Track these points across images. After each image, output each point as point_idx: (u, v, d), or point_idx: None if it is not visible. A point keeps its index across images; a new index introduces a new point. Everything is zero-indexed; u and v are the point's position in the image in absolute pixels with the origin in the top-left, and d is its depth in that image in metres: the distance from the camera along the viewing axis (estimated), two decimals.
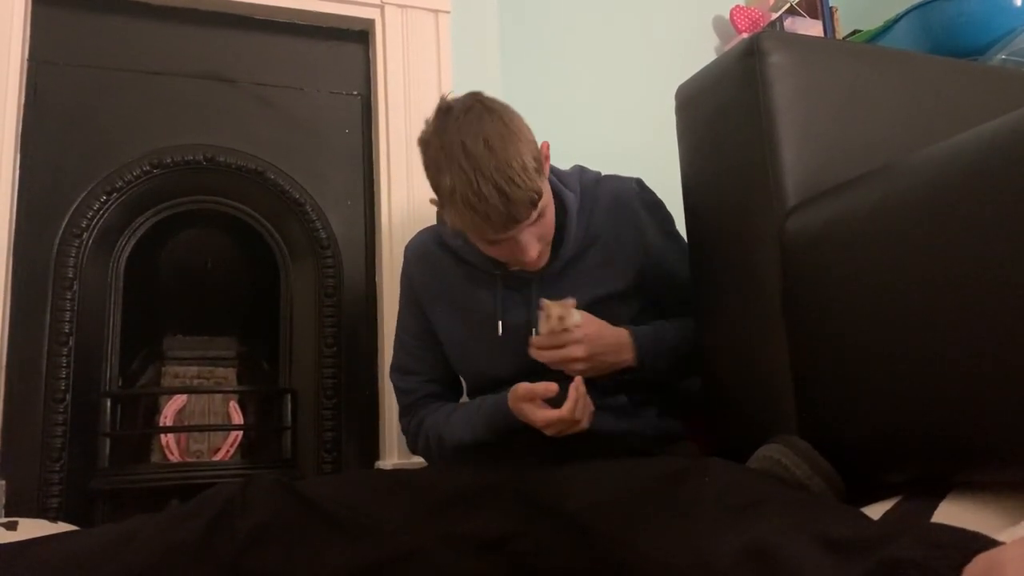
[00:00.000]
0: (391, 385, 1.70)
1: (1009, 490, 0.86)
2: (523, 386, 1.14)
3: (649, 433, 1.26)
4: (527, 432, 1.16)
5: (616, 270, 1.27)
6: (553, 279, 1.25)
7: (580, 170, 1.33)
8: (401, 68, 1.85)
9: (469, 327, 1.29)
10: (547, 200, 1.15)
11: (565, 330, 1.15)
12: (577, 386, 1.11)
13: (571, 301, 1.16)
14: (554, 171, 1.29)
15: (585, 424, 1.13)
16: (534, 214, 1.11)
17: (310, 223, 1.79)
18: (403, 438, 1.68)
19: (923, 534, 0.65)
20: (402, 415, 1.41)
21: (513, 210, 1.08)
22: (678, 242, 1.33)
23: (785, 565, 0.69)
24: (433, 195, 1.17)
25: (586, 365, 1.16)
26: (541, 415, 1.12)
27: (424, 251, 1.36)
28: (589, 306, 1.21)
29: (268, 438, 1.84)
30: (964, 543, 0.61)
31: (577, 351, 1.15)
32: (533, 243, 1.15)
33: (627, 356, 1.21)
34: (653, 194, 1.34)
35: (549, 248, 1.22)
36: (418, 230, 1.43)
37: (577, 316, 1.16)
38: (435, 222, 1.41)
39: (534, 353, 1.17)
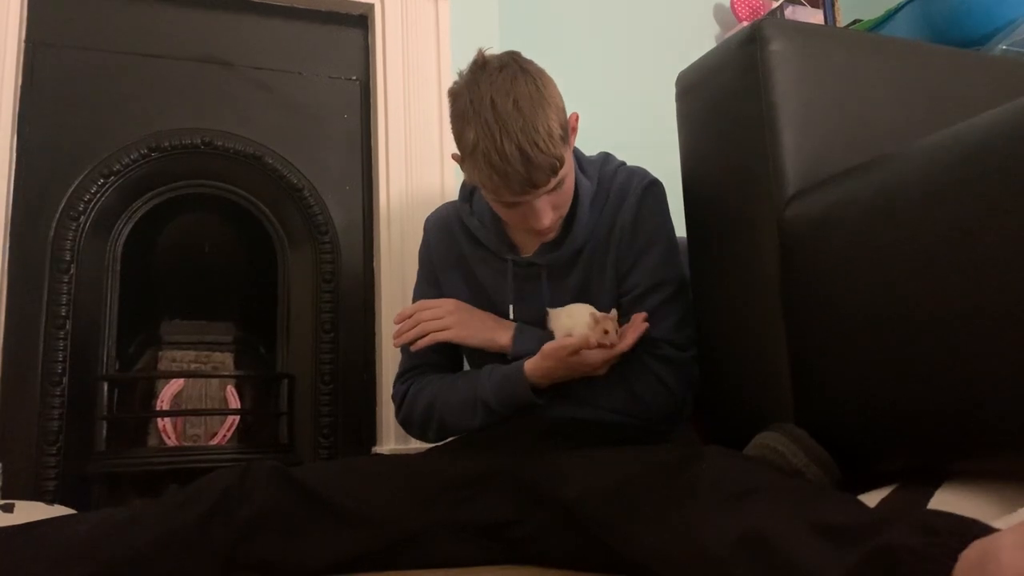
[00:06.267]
0: (388, 370, 1.71)
1: (1004, 478, 0.87)
2: (562, 345, 1.13)
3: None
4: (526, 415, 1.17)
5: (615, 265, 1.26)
6: (562, 268, 1.24)
7: (604, 158, 1.31)
8: (400, 53, 1.84)
9: (479, 304, 1.28)
10: (568, 169, 1.13)
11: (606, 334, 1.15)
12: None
13: (613, 314, 1.16)
14: (577, 156, 1.27)
15: (623, 345, 1.14)
16: (553, 181, 1.10)
17: (308, 208, 1.79)
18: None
19: (919, 521, 0.65)
20: (397, 379, 1.36)
21: (533, 174, 1.07)
22: (654, 268, 1.24)
23: (781, 552, 0.69)
24: (456, 150, 1.15)
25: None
26: (595, 355, 1.13)
27: (445, 222, 1.35)
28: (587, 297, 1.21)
29: (265, 423, 1.84)
30: (960, 530, 0.61)
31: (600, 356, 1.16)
32: (548, 211, 1.13)
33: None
34: (658, 201, 1.27)
35: (562, 218, 1.20)
36: (416, 215, 1.42)
37: (612, 327, 1.15)
38: (433, 208, 1.41)
39: (587, 349, 1.15)
